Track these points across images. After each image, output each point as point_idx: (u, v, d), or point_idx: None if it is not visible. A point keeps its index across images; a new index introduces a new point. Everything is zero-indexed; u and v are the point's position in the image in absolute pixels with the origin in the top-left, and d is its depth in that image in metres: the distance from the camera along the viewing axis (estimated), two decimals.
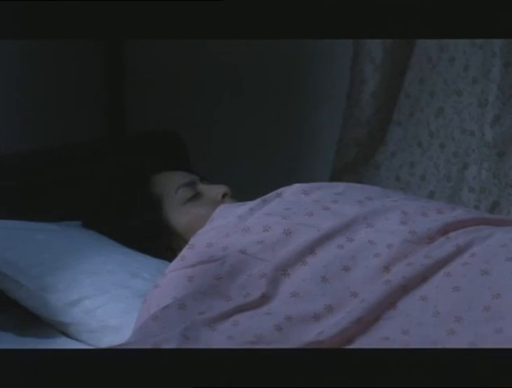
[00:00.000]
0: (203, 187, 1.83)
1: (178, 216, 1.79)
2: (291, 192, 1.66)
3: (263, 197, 1.65)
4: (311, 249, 1.50)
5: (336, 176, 2.34)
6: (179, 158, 2.22)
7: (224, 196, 1.81)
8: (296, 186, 1.67)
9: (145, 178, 1.85)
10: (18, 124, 2.19)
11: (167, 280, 1.53)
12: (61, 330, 1.65)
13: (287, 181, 1.91)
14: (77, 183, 1.98)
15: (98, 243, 1.75)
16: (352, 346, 1.33)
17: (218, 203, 1.79)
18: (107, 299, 1.61)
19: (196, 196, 1.80)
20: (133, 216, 1.79)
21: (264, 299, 1.43)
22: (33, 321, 1.68)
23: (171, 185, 1.82)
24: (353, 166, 2.34)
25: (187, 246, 1.57)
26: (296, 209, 1.59)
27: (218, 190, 1.81)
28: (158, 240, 1.78)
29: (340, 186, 1.69)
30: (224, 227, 1.59)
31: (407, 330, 1.35)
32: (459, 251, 1.45)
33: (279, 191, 1.67)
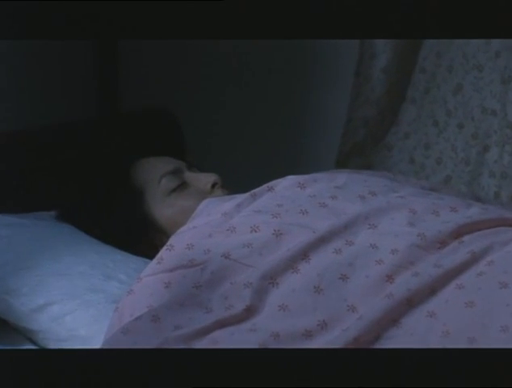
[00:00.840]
0: (190, 176, 1.64)
1: (161, 208, 1.60)
2: (285, 186, 1.47)
3: (253, 191, 1.46)
4: (304, 254, 1.31)
5: (342, 160, 2.16)
6: (172, 140, 2.03)
7: (213, 185, 1.62)
8: (290, 178, 1.48)
9: (127, 165, 1.66)
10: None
11: (142, 285, 1.35)
12: (29, 337, 1.47)
13: (290, 167, 1.75)
14: (51, 169, 1.78)
15: (70, 240, 1.57)
16: None
17: (206, 194, 1.61)
18: (76, 305, 1.43)
19: (182, 186, 1.61)
20: (111, 208, 1.61)
21: (248, 312, 1.25)
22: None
23: (154, 173, 1.63)
24: (361, 149, 2.15)
25: (166, 247, 1.39)
26: (289, 206, 1.41)
27: (207, 179, 1.62)
28: (139, 235, 1.60)
29: (340, 178, 1.50)
30: (207, 226, 1.40)
31: None
32: (473, 259, 1.26)
33: (270, 184, 1.48)
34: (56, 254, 1.51)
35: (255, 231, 1.36)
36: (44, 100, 2.05)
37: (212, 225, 1.39)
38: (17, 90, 1.99)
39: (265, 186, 1.47)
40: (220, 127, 2.33)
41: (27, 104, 2.02)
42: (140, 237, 1.60)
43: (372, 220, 1.36)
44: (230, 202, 1.43)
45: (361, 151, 2.15)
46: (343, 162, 2.15)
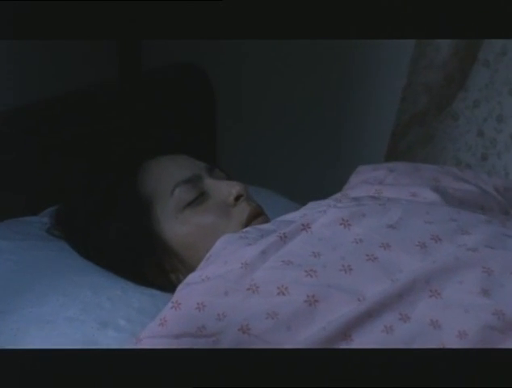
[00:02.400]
0: (210, 184, 1.33)
1: (174, 226, 1.30)
2: (324, 223, 1.15)
3: (283, 231, 1.14)
4: (345, 334, 1.01)
5: (400, 130, 1.82)
6: (201, 96, 1.70)
7: (237, 197, 1.31)
8: (332, 213, 1.17)
9: (133, 166, 1.35)
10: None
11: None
12: None
13: (337, 144, 1.42)
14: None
15: (58, 268, 1.28)
16: None
17: (229, 207, 1.30)
18: None
19: (200, 198, 1.30)
20: (112, 224, 1.31)
21: None
22: None
23: (166, 181, 1.32)
24: (422, 118, 1.83)
25: (170, 304, 1.10)
26: (329, 257, 1.10)
27: (230, 190, 1.31)
28: (146, 259, 1.31)
29: (395, 210, 1.17)
30: (223, 279, 1.10)
31: None
32: None
33: (306, 219, 1.16)
34: (40, 292, 1.22)
35: (283, 294, 1.06)
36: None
37: (230, 278, 1.09)
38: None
39: (299, 223, 1.16)
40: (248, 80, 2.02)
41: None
42: (146, 259, 1.31)
43: (435, 284, 1.05)
44: (254, 247, 1.13)
45: (422, 120, 1.82)
46: (401, 132, 1.83)
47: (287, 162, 2.09)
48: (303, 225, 1.15)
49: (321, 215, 1.16)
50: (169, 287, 1.29)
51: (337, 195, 1.39)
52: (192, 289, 1.10)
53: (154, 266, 1.31)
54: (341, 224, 1.15)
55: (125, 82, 1.83)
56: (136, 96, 1.76)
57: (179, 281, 1.30)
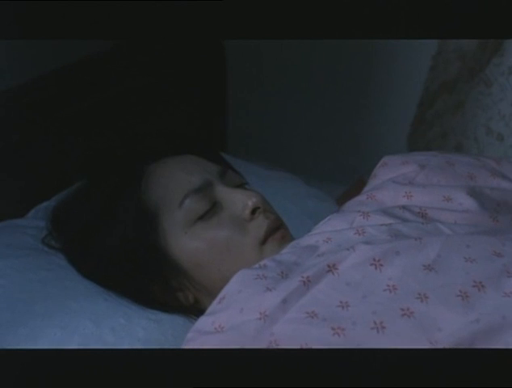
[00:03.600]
0: (223, 193, 1.19)
1: (182, 241, 1.17)
2: (353, 264, 1.02)
3: (306, 274, 1.01)
4: None
5: (427, 101, 1.69)
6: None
7: (253, 211, 1.18)
8: (362, 251, 1.03)
9: (137, 170, 1.22)
10: None
11: None
12: None
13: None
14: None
15: (54, 291, 1.15)
16: None
17: (244, 222, 1.17)
18: None
19: (212, 210, 1.17)
20: (114, 236, 1.18)
21: None
22: None
23: (174, 190, 1.18)
24: (452, 86, 1.67)
25: None
26: (358, 308, 0.97)
27: (245, 201, 1.18)
28: (150, 276, 1.18)
29: (432, 246, 1.04)
30: (239, 333, 0.97)
31: None
32: None
33: (333, 259, 1.02)
34: (34, 326, 1.10)
35: None
36: None
37: (246, 332, 0.97)
38: None
39: (324, 264, 1.02)
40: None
41: None
42: (151, 276, 1.18)
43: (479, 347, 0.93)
44: (274, 294, 1.00)
45: (452, 88, 1.68)
46: (429, 102, 1.69)
47: (303, 140, 1.96)
48: (329, 266, 1.02)
49: (350, 253, 1.03)
50: (177, 307, 1.18)
51: (363, 197, 1.26)
52: (204, 342, 0.98)
53: (160, 284, 1.18)
54: (372, 264, 1.02)
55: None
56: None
57: (187, 301, 1.19)
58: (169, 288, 1.18)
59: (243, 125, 1.89)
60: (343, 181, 1.83)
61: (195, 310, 1.19)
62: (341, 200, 1.67)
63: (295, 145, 2.00)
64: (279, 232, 1.19)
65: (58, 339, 1.08)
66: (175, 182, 1.19)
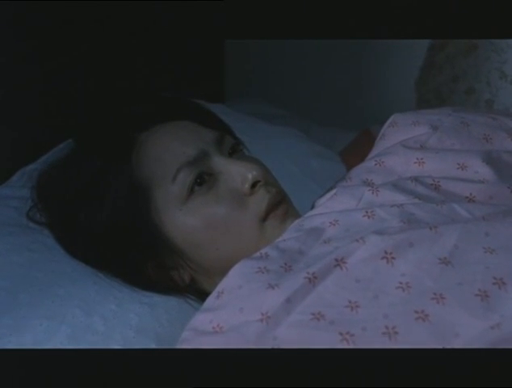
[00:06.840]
0: (220, 165, 1.10)
1: (177, 218, 1.09)
2: (363, 258, 0.93)
3: (312, 270, 0.93)
4: None
5: (438, 44, 1.59)
6: None
7: (253, 185, 1.09)
8: (373, 243, 0.95)
9: (127, 140, 1.12)
10: None
11: None
12: None
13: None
14: None
15: (40, 275, 1.07)
16: None
17: (242, 196, 1.09)
18: None
19: (208, 183, 1.09)
20: (103, 212, 1.09)
21: None
22: None
23: (166, 163, 1.09)
24: None
25: None
26: (369, 311, 0.89)
27: (244, 174, 1.09)
28: (142, 254, 1.10)
29: (449, 236, 0.95)
30: (240, 335, 0.90)
31: None
32: None
33: (341, 252, 0.94)
34: (18, 315, 1.02)
35: None
36: None
37: (247, 335, 0.89)
38: None
39: (332, 258, 0.94)
40: None
41: None
42: (143, 254, 1.10)
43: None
44: (277, 293, 0.92)
45: None
46: (440, 45, 1.59)
47: (306, 82, 1.86)
48: (336, 260, 0.93)
49: (359, 246, 0.94)
50: (172, 287, 1.11)
51: (371, 163, 1.17)
52: (202, 343, 0.91)
53: (153, 263, 1.10)
54: (383, 258, 0.93)
55: None
56: None
57: (183, 281, 1.12)
58: (163, 267, 1.11)
59: (242, 67, 1.78)
60: (349, 126, 1.74)
61: (191, 290, 1.12)
62: (346, 153, 1.58)
63: (299, 88, 1.90)
64: (281, 207, 1.10)
65: (44, 330, 1.01)
66: (168, 154, 1.10)
